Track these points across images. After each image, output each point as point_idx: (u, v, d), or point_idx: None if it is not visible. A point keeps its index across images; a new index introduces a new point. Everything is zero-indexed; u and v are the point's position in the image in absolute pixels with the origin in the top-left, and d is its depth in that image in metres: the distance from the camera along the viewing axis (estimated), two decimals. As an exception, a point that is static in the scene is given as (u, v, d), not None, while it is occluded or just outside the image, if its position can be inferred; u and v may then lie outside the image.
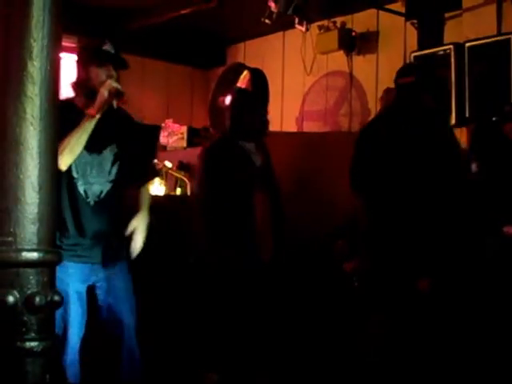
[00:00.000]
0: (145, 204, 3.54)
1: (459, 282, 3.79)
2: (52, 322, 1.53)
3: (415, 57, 6.36)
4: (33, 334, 1.48)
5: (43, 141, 1.54)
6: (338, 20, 7.18)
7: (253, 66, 4.76)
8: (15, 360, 1.47)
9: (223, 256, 3.99)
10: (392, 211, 3.89)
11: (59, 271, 3.20)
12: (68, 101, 3.39)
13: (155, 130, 3.80)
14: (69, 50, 7.15)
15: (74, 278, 3.27)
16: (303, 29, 6.41)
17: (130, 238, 3.42)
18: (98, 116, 3.21)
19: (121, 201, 3.51)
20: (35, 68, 1.52)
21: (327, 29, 7.23)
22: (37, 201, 1.52)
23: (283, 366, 4.18)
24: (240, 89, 4.36)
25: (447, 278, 3.78)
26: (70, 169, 3.27)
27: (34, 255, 1.50)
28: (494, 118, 4.92)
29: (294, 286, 4.58)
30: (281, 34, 7.84)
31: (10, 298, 1.46)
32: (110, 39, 3.35)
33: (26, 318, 1.47)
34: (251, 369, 4.01)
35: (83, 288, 3.35)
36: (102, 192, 3.37)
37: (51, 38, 1.55)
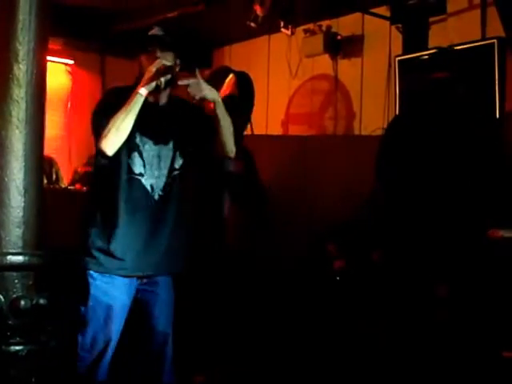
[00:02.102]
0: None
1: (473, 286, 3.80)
2: (39, 326, 1.52)
3: (400, 61, 6.38)
4: (18, 338, 1.47)
5: (29, 144, 1.54)
6: (324, 24, 7.19)
7: (238, 69, 4.76)
8: (0, 363, 1.46)
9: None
10: (414, 209, 3.87)
11: (105, 282, 3.06)
12: (130, 87, 3.14)
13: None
14: (55, 52, 7.15)
15: (120, 290, 3.09)
16: (289, 32, 6.43)
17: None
18: (143, 93, 2.97)
19: (185, 199, 3.27)
20: (21, 71, 1.52)
21: (313, 32, 7.24)
22: (22, 204, 1.52)
23: (274, 367, 4.18)
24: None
25: (464, 284, 3.78)
26: (132, 164, 3.07)
27: (20, 258, 1.50)
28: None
29: (285, 288, 4.59)
30: (266, 37, 7.84)
31: (-5, 302, 1.46)
32: (161, 23, 3.20)
33: (11, 322, 1.47)
34: (238, 370, 4.01)
35: (129, 301, 3.14)
36: (166, 184, 3.14)
37: (37, 42, 1.55)
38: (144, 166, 3.09)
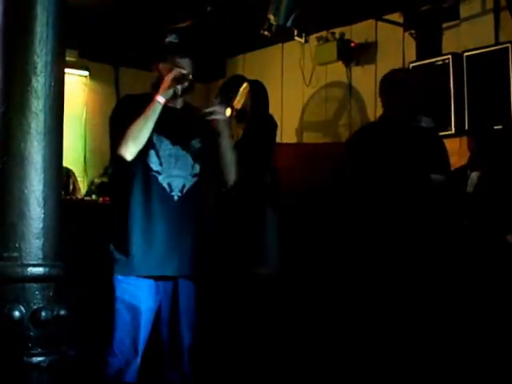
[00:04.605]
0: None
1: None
2: (59, 337, 1.52)
3: (414, 67, 6.38)
4: (39, 349, 1.48)
5: (47, 156, 1.55)
6: (337, 31, 7.20)
7: (252, 78, 4.76)
8: (22, 375, 1.47)
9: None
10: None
11: (131, 284, 3.06)
12: (145, 94, 3.22)
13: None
14: (70, 64, 7.19)
15: (145, 293, 3.09)
16: (302, 40, 6.44)
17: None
18: (161, 101, 3.05)
19: (204, 203, 3.28)
20: (39, 83, 1.53)
21: (326, 40, 7.25)
22: (42, 215, 1.53)
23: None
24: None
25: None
26: (148, 162, 3.10)
27: (40, 270, 1.51)
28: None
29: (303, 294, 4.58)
30: (280, 45, 7.86)
31: (16, 313, 1.46)
32: (178, 28, 3.29)
33: (32, 333, 1.48)
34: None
35: (154, 305, 3.14)
36: (184, 186, 3.15)
37: (55, 54, 1.56)
38: (161, 165, 3.12)
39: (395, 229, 3.80)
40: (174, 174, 3.14)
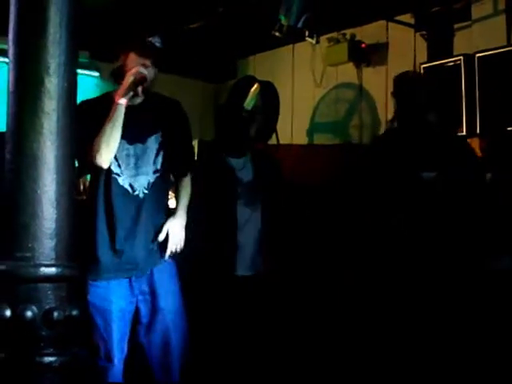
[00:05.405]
0: (182, 202, 3.31)
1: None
2: (71, 337, 1.53)
3: (425, 68, 6.36)
4: (51, 349, 1.48)
5: (60, 156, 1.55)
6: (348, 32, 7.19)
7: (263, 78, 4.76)
8: (34, 375, 1.47)
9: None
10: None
11: (102, 287, 3.06)
12: (108, 93, 3.22)
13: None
14: (81, 65, 7.20)
15: (117, 295, 3.10)
16: (313, 41, 6.42)
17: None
18: (123, 103, 3.01)
19: (167, 196, 3.31)
20: (52, 84, 1.54)
21: (337, 41, 7.24)
22: (54, 216, 1.53)
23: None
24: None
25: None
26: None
27: (52, 270, 1.51)
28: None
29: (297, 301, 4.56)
30: (290, 46, 7.86)
31: (29, 313, 1.47)
32: (164, 35, 3.22)
33: (44, 333, 1.48)
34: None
35: (128, 306, 3.14)
36: (149, 183, 3.14)
37: (68, 55, 1.56)
38: (119, 166, 3.11)
39: (390, 228, 3.78)
40: (135, 173, 3.13)
